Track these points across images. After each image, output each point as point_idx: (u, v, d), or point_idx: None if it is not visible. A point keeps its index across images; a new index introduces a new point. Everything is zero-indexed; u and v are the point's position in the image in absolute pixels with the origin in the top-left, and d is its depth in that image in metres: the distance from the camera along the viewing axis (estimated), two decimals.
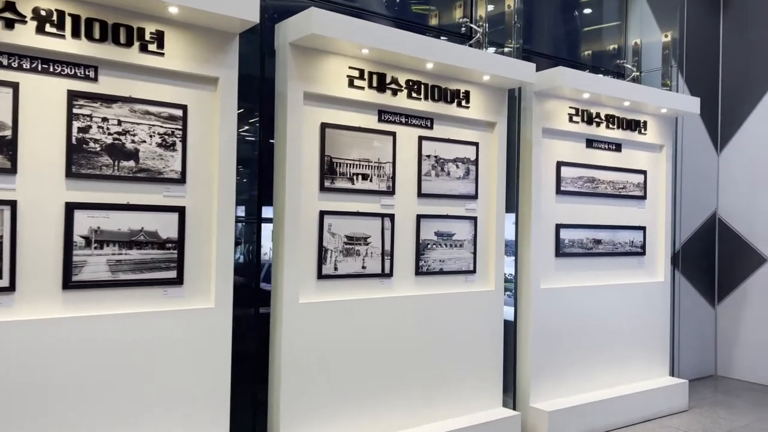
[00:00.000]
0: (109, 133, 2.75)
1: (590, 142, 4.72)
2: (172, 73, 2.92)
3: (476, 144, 4.08)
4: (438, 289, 3.89)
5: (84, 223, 2.67)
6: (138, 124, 2.81)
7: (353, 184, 3.52)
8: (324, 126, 3.41)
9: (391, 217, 3.67)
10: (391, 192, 3.67)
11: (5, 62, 2.54)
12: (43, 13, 2.57)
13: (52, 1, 2.59)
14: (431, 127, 3.88)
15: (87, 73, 2.71)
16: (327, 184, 3.42)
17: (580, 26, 5.52)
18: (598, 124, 4.69)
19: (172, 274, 2.89)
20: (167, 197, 2.90)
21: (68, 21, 2.62)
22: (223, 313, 3.00)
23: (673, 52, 5.76)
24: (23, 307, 2.56)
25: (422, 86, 3.77)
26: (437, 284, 3.90)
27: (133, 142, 2.80)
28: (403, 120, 3.75)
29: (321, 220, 3.39)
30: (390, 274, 3.67)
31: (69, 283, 2.63)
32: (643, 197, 5.06)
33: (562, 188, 4.52)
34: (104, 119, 2.73)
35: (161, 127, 2.87)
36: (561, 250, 4.52)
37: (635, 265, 5.02)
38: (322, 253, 3.39)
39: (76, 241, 2.66)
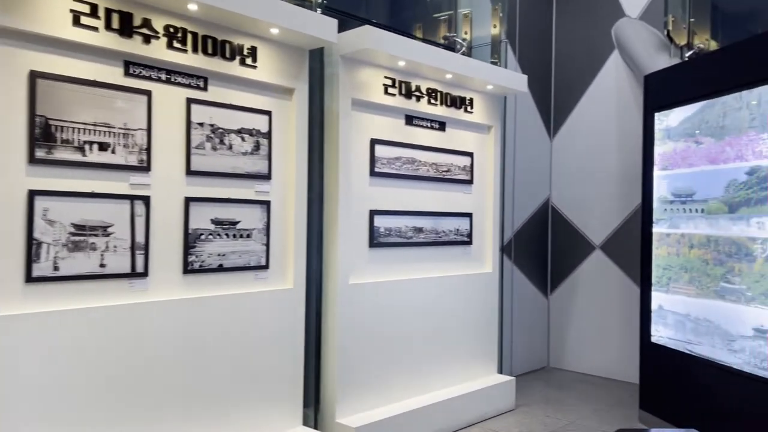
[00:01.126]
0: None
1: (410, 119, 4.20)
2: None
3: (269, 113, 3.38)
4: (216, 290, 3.15)
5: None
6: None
7: (84, 155, 2.66)
8: (35, 75, 2.52)
9: (146, 199, 2.86)
10: (144, 167, 2.86)
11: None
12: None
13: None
14: (204, 88, 3.11)
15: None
16: (40, 154, 2.53)
17: None
18: (419, 99, 4.18)
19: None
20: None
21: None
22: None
23: (508, 33, 5.45)
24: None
25: (189, 35, 2.99)
26: (215, 284, 3.15)
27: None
28: (162, 77, 2.94)
29: (30, 202, 2.50)
30: (144, 274, 2.86)
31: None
32: (470, 182, 4.65)
33: (376, 169, 3.95)
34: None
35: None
36: (376, 240, 3.95)
37: (461, 256, 4.61)
38: (31, 248, 2.50)
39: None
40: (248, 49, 3.23)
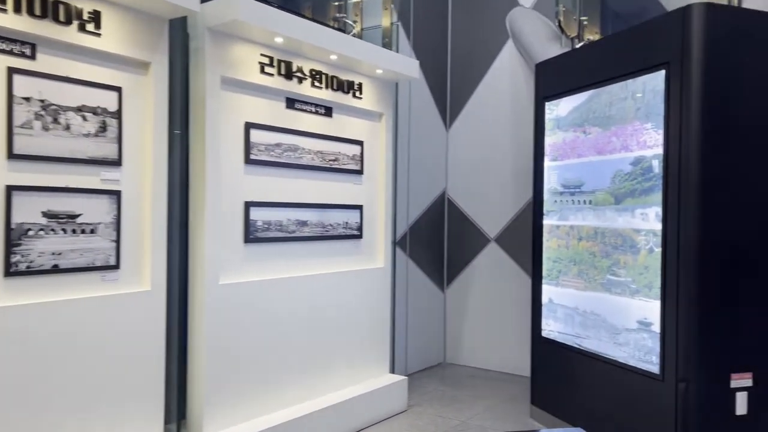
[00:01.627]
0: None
1: (292, 102, 3.85)
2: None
3: (118, 89, 2.93)
4: (50, 296, 2.67)
5: None
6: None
7: None
8: None
9: None
10: None
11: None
12: None
13: None
14: (32, 57, 2.63)
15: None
16: None
17: None
18: (301, 81, 3.84)
19: None
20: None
21: None
22: None
23: (402, 19, 5.22)
24: None
25: None
26: (49, 288, 2.68)
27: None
28: None
29: None
30: None
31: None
32: (360, 172, 4.38)
33: (253, 157, 3.59)
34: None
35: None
36: (252, 235, 3.59)
37: (351, 251, 4.33)
38: None
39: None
40: (89, 13, 2.77)
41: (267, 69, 3.61)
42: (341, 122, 4.21)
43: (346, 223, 4.27)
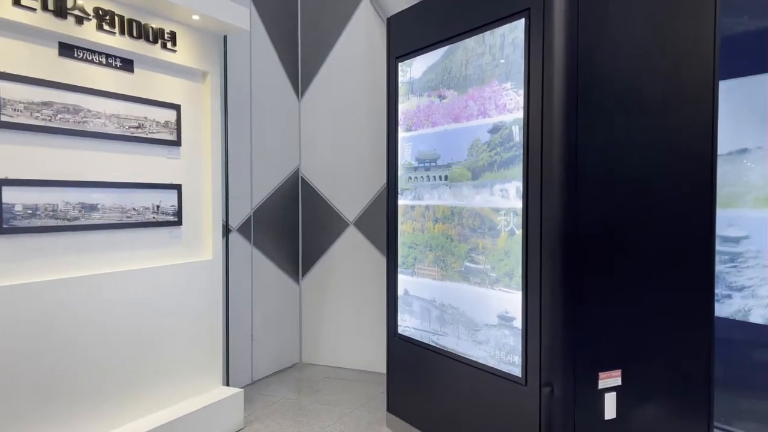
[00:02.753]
0: None
1: (68, 49, 2.94)
2: None
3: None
4: None
5: None
6: None
7: None
8: None
9: None
10: None
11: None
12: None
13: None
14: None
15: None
16: None
17: None
18: (81, 21, 2.94)
19: None
20: None
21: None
22: None
23: None
24: None
25: None
26: None
27: None
28: None
29: None
30: None
31: None
32: (176, 143, 3.54)
33: (4, 119, 2.65)
34: None
35: None
36: (8, 224, 2.67)
37: (166, 241, 3.50)
38: None
39: None
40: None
41: (24, 1, 2.68)
42: (147, 80, 3.35)
43: (158, 206, 3.43)
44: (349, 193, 5.11)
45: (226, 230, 4.19)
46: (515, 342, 2.83)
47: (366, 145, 5.00)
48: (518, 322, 2.80)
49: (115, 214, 3.18)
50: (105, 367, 3.07)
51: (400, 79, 3.64)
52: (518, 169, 2.77)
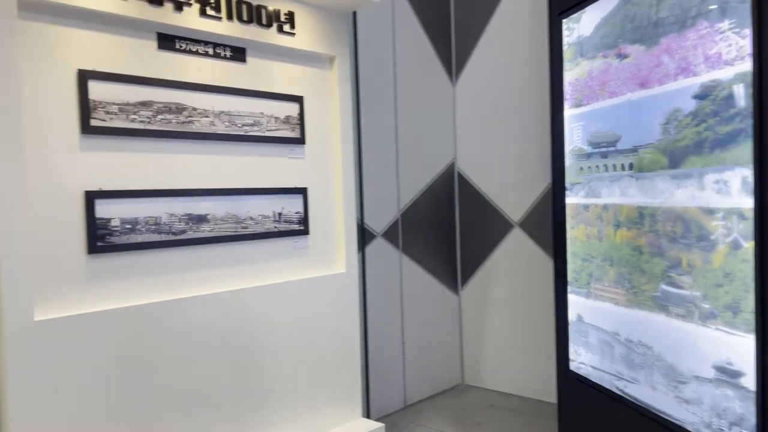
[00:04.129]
0: None
1: (168, 40, 2.61)
2: None
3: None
4: None
5: None
6: None
7: None
8: None
9: None
10: None
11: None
12: None
13: None
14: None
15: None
16: None
17: None
18: (180, 7, 2.59)
19: None
20: None
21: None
22: None
23: None
24: None
25: None
26: None
27: None
28: None
29: None
30: None
31: None
32: (300, 140, 3.10)
33: (95, 123, 2.38)
34: None
35: None
36: (103, 241, 2.39)
37: (290, 253, 3.07)
38: None
39: None
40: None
41: None
42: (262, 70, 2.94)
43: (279, 214, 3.01)
44: (514, 189, 4.32)
45: (362, 237, 3.66)
46: (743, 409, 1.88)
47: (533, 131, 4.17)
48: (748, 381, 1.86)
49: (229, 225, 2.80)
50: (220, 399, 2.71)
51: (565, 39, 2.80)
52: (744, 150, 1.82)
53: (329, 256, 3.26)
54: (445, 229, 4.56)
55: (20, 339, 2.13)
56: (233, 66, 2.82)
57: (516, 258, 4.33)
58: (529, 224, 4.25)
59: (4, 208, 2.10)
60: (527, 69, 4.16)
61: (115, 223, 2.42)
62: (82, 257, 2.34)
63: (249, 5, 2.82)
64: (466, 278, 4.65)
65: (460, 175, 4.61)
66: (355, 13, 3.48)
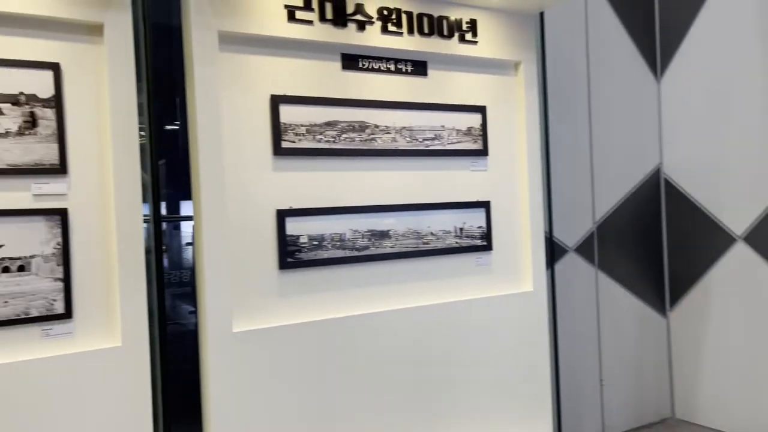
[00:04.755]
0: None
1: (352, 60, 2.65)
2: None
3: (54, 66, 2.10)
4: None
5: None
6: None
7: None
8: None
9: None
10: None
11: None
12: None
13: None
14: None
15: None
16: None
17: None
18: (363, 26, 2.61)
19: None
20: None
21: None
22: None
23: None
24: None
25: None
26: None
27: None
28: None
29: None
30: None
31: None
32: (482, 152, 2.96)
33: (286, 145, 2.48)
34: None
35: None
36: (293, 257, 2.49)
37: (472, 270, 2.94)
38: None
39: None
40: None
41: (300, 14, 2.47)
42: (443, 82, 2.86)
43: (461, 229, 2.90)
44: (734, 196, 3.71)
45: (551, 252, 3.39)
46: None
47: (759, 128, 3.54)
48: None
49: (410, 240, 2.76)
50: (403, 416, 2.67)
51: None
52: None
53: (515, 273, 3.06)
54: (650, 243, 4.08)
55: (221, 349, 2.29)
56: (414, 80, 2.79)
57: (739, 276, 3.71)
58: (756, 237, 3.62)
59: (209, 227, 2.28)
60: (753, 55, 3.55)
61: (303, 239, 2.51)
62: (275, 273, 2.45)
63: (430, 18, 2.77)
64: (675, 299, 4.10)
65: (667, 182, 4.09)
66: (542, 14, 3.24)
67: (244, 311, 2.38)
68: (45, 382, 2.01)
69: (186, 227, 3.01)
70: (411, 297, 2.76)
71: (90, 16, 2.11)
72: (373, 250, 2.66)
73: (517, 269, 3.07)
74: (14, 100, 2.04)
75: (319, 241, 2.54)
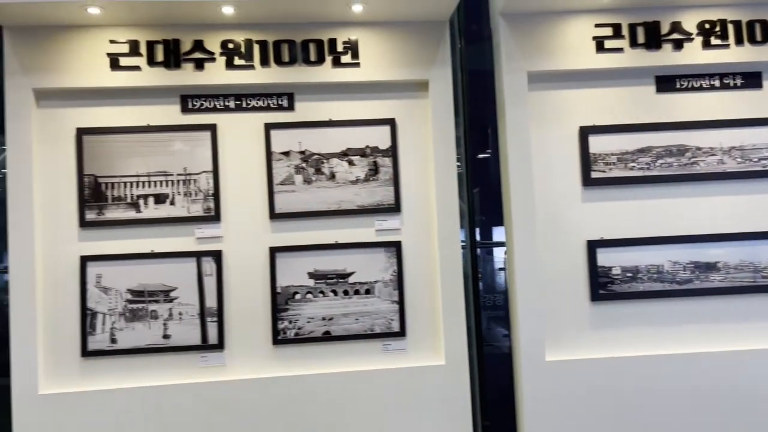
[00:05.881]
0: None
1: (668, 82, 2.49)
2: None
3: (391, 122, 2.46)
4: (322, 366, 2.40)
5: None
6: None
7: (139, 211, 2.37)
8: (81, 132, 2.38)
9: (216, 255, 2.38)
10: (213, 217, 2.39)
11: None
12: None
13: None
14: (290, 107, 2.46)
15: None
16: (90, 216, 2.36)
17: None
18: (679, 45, 2.44)
19: None
20: None
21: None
22: None
23: None
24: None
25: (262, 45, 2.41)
26: (320, 358, 2.41)
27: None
28: (230, 103, 2.44)
29: (83, 269, 2.34)
30: (219, 346, 2.37)
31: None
32: None
33: (595, 175, 2.46)
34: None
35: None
36: (605, 289, 2.43)
37: None
38: (86, 319, 2.33)
39: None
40: (344, 43, 2.42)
41: (609, 43, 2.44)
42: None
43: None
44: None
45: None
46: None
47: None
48: None
49: (745, 274, 2.46)
50: None
51: None
52: None
53: None
54: None
55: (535, 376, 2.36)
56: (745, 94, 2.49)
57: None
58: None
59: (521, 255, 2.38)
60: None
61: (616, 271, 2.44)
62: (586, 304, 2.44)
63: (765, 24, 2.45)
64: None
65: None
66: None
67: (556, 341, 2.41)
68: (382, 389, 2.34)
69: (498, 253, 3.19)
70: (742, 339, 2.44)
71: (418, 75, 2.43)
72: (697, 284, 2.44)
73: None
74: (362, 153, 2.45)
75: (633, 273, 2.44)
